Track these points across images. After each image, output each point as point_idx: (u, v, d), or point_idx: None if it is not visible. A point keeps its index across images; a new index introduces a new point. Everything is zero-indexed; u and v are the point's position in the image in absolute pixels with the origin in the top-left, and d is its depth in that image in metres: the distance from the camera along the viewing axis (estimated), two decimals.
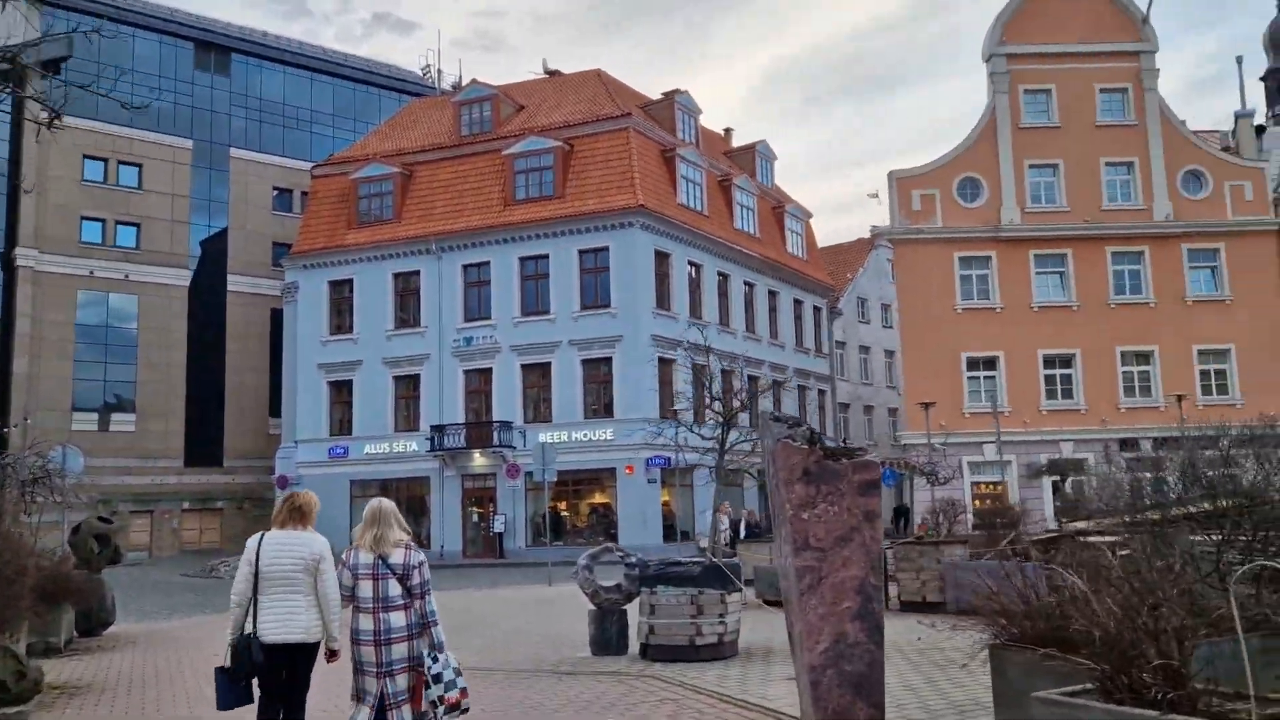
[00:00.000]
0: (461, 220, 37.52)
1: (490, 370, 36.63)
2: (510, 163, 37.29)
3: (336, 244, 39.33)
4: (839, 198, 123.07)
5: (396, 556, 5.69)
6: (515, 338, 36.11)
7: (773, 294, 43.22)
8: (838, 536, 5.50)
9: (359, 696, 5.68)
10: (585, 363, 35.54)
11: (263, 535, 5.89)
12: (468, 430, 36.04)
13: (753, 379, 34.24)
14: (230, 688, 5.72)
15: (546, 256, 36.35)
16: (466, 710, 5.77)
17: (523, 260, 36.74)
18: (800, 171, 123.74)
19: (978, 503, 32.04)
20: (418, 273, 38.07)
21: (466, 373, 37.12)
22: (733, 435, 24.87)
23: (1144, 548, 12.23)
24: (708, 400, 26.21)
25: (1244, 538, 10.27)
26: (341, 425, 38.99)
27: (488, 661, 11.18)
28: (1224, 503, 7.63)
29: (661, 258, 36.30)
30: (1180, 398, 31.93)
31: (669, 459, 33.89)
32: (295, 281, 40.30)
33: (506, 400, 36.02)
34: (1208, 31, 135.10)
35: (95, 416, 44.65)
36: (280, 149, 51.17)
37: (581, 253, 35.94)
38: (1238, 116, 41.56)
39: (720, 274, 39.50)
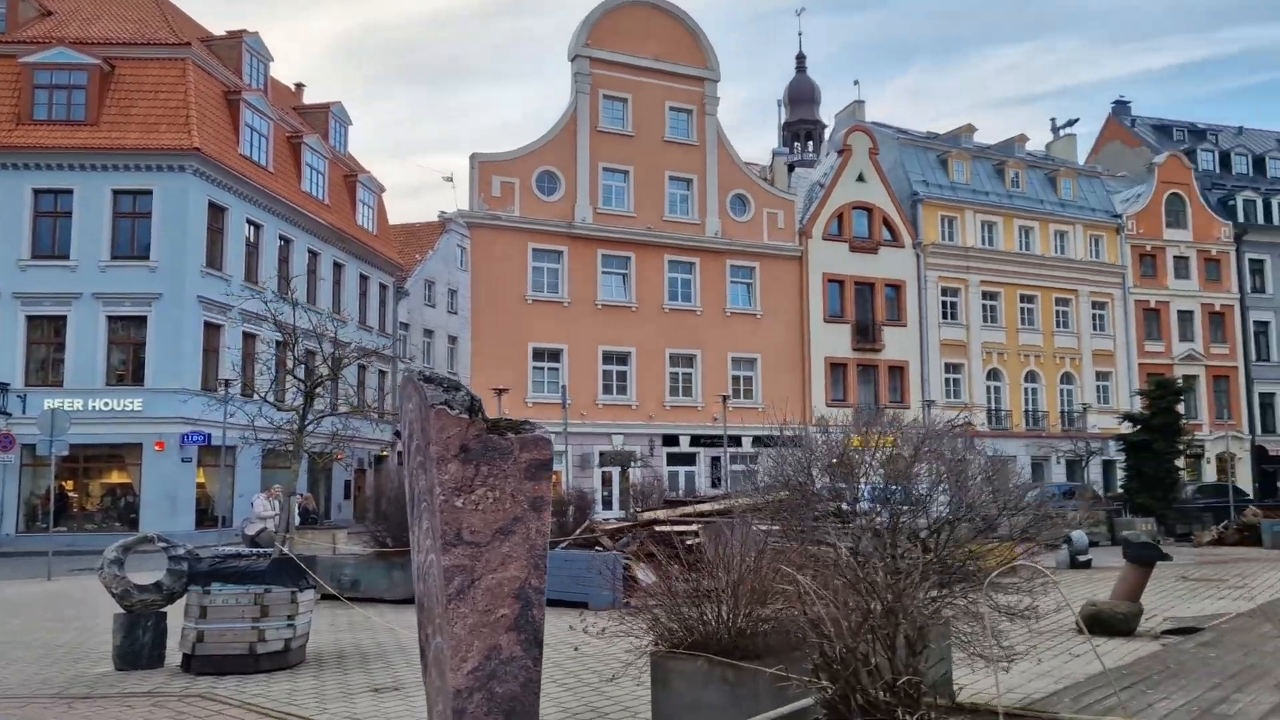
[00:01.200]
0: None
1: None
2: (29, 74, 31.07)
3: None
4: (408, 181, 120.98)
5: None
6: (20, 284, 30.08)
7: (339, 266, 40.68)
8: (498, 529, 4.49)
9: None
10: (113, 320, 30.60)
11: None
12: None
13: (311, 353, 31.77)
14: None
15: (70, 192, 30.76)
16: None
17: (38, 193, 30.76)
18: (370, 149, 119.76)
19: None
20: None
21: None
22: (289, 414, 22.69)
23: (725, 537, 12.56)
24: (289, 367, 23.69)
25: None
26: None
27: None
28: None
29: (216, 211, 32.40)
30: (725, 398, 34.94)
31: (208, 435, 30.35)
32: None
33: (3, 357, 29.88)
34: (744, 81, 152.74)
35: None
36: None
37: (117, 193, 30.90)
38: (775, 154, 46.81)
39: (283, 237, 36.25)
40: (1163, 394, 28.45)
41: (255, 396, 24.12)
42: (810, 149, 65.23)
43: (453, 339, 52.05)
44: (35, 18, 34.20)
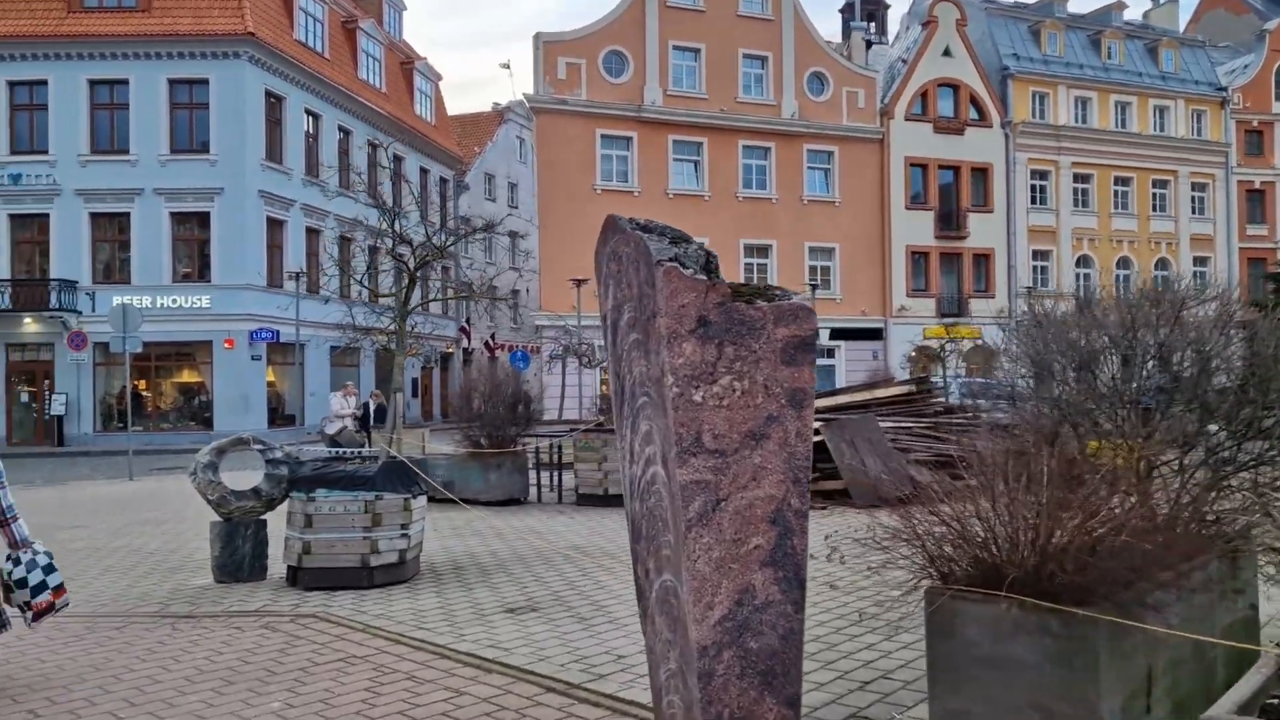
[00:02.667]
0: (7, 24, 29.47)
1: (48, 217, 29.61)
2: None
3: None
4: (462, 76, 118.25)
5: None
6: (82, 180, 29.36)
7: (399, 158, 39.32)
8: (747, 432, 3.29)
9: None
10: (175, 216, 29.85)
11: None
12: (15, 289, 29.05)
13: (375, 250, 30.88)
14: None
15: (126, 83, 29.73)
16: (65, 606, 5.55)
17: (94, 85, 29.78)
18: (421, 42, 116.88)
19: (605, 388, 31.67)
20: None
21: (14, 218, 29.76)
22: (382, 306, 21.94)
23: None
24: (391, 247, 23.15)
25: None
26: None
27: None
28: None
29: (274, 101, 31.18)
30: (814, 286, 33.54)
31: (276, 332, 29.78)
32: None
33: (69, 255, 29.38)
34: None
35: None
36: None
37: (173, 83, 29.80)
38: (853, 28, 43.98)
39: (342, 128, 35.01)
40: None
41: (354, 289, 23.38)
42: (873, 30, 61.47)
43: (513, 235, 50.71)
44: None
